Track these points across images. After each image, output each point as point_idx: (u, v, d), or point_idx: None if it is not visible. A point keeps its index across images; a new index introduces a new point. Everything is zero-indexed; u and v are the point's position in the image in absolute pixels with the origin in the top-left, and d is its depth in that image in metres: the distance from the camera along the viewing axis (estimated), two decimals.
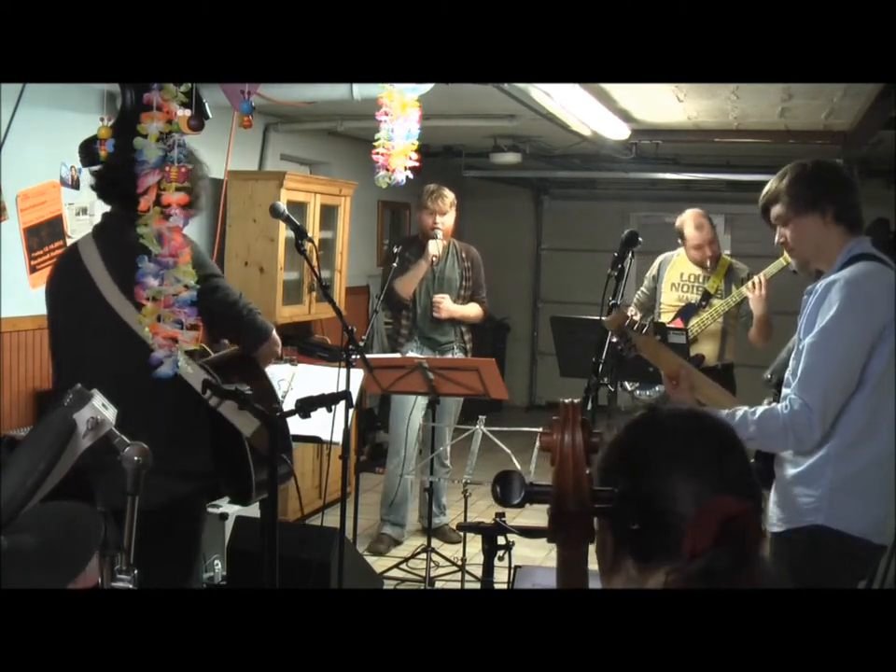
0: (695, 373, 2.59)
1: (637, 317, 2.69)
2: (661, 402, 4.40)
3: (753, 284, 4.50)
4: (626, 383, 4.69)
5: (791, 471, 2.42)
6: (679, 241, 4.88)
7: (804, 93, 4.70)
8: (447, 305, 5.08)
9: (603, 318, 2.67)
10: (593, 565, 1.23)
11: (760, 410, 2.36)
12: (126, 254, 2.45)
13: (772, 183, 2.54)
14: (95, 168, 2.67)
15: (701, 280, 4.81)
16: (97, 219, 2.81)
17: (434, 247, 4.97)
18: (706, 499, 1.13)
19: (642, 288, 5.07)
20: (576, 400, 1.26)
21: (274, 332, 2.82)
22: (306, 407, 2.68)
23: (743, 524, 1.10)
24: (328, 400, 2.76)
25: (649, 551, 1.18)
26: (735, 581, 1.08)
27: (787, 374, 2.47)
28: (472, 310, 5.21)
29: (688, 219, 4.81)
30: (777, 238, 2.57)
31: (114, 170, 2.56)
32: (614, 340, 2.68)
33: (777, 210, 2.51)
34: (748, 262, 4.92)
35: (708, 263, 4.79)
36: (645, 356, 2.65)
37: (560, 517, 1.19)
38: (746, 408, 2.37)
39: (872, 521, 2.35)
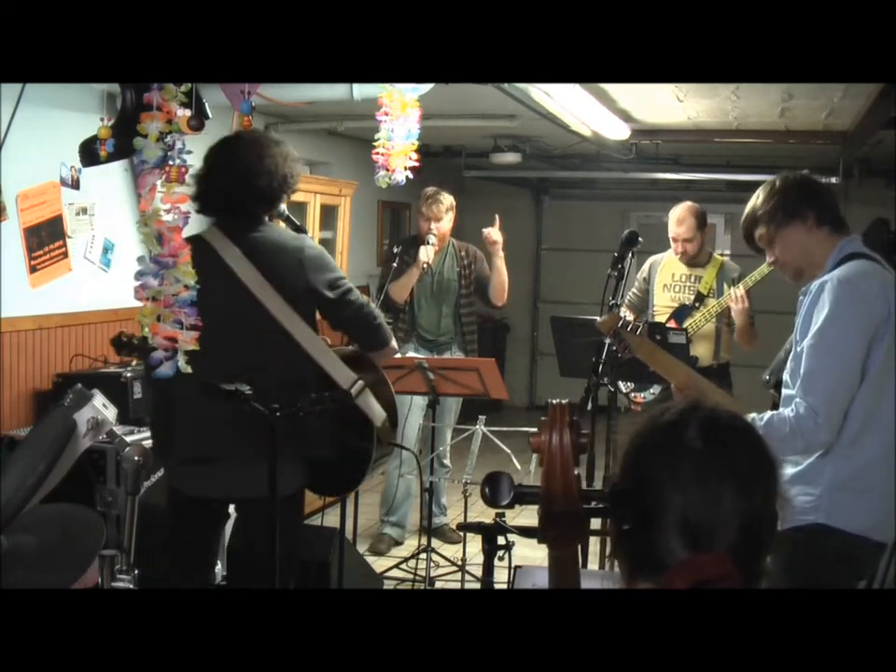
0: (704, 385, 2.58)
1: (630, 318, 2.69)
2: (659, 402, 4.39)
3: (732, 296, 4.47)
4: (621, 383, 4.63)
5: (789, 470, 2.42)
6: None
7: (804, 93, 4.69)
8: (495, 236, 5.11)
9: (596, 320, 2.67)
10: (592, 564, 1.22)
11: (767, 415, 2.36)
12: (265, 250, 2.74)
13: (748, 208, 2.54)
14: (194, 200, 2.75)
15: (693, 280, 4.75)
16: (98, 219, 2.82)
17: (424, 254, 4.93)
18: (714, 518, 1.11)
19: (633, 290, 4.99)
20: (564, 401, 1.24)
21: (394, 342, 3.08)
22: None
23: (719, 584, 1.07)
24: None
25: (638, 561, 1.17)
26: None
27: (785, 376, 2.47)
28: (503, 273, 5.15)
29: (674, 212, 4.73)
30: (768, 259, 2.57)
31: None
32: (607, 341, 2.67)
33: (760, 231, 2.51)
34: (747, 262, 4.80)
35: (680, 256, 4.73)
36: (640, 357, 2.64)
37: (549, 517, 1.19)
38: (754, 414, 2.37)
39: (871, 519, 2.35)
